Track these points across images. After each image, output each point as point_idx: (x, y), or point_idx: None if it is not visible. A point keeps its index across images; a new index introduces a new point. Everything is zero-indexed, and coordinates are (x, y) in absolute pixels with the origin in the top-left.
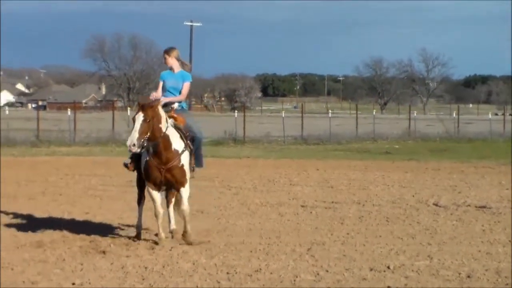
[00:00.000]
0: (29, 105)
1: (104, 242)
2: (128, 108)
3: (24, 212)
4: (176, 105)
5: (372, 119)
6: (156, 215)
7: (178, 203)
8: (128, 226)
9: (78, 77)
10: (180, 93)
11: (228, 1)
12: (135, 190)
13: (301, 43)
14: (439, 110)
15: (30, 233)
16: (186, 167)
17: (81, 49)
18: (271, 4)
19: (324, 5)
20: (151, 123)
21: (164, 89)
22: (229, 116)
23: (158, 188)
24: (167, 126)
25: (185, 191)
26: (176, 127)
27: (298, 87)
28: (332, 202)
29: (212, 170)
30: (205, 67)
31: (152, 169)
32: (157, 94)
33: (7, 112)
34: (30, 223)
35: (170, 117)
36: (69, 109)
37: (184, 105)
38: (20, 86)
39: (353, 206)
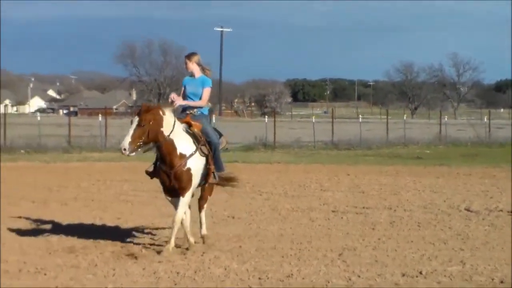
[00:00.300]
0: (60, 111)
1: (136, 247)
2: None
3: (56, 217)
4: (195, 110)
5: (403, 124)
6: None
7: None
8: (161, 230)
9: (109, 83)
10: (200, 98)
11: (259, 7)
12: None
13: (332, 48)
14: (470, 115)
15: (62, 239)
16: (194, 172)
17: (111, 55)
18: (303, 9)
19: (355, 11)
20: (147, 127)
21: (184, 95)
22: (259, 121)
23: (170, 194)
24: (171, 130)
25: (184, 197)
26: (189, 132)
27: (328, 92)
28: (363, 207)
29: (243, 175)
30: (235, 72)
31: (161, 174)
32: (178, 97)
33: (38, 118)
34: (62, 229)
35: (184, 122)
36: (100, 115)
37: (205, 110)
38: (51, 92)
39: (384, 211)
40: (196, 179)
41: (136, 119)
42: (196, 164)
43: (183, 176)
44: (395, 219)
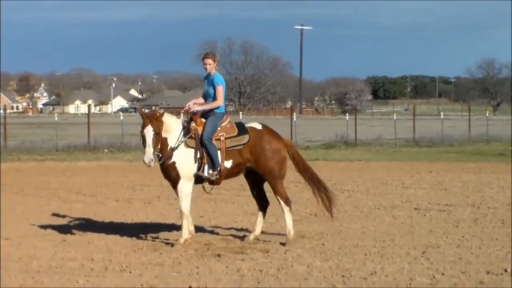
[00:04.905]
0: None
1: (219, 245)
2: (240, 113)
3: (140, 216)
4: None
5: (485, 120)
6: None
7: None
8: (242, 229)
9: (190, 81)
10: (213, 97)
11: (339, 5)
12: (247, 194)
13: (413, 46)
14: None
15: (146, 237)
16: (179, 165)
17: (193, 54)
18: (384, 8)
19: (436, 9)
20: (161, 135)
21: (204, 95)
22: (340, 119)
23: (172, 184)
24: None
25: (179, 190)
26: (185, 126)
27: (409, 89)
28: (446, 204)
29: (325, 173)
30: (316, 70)
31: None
32: (196, 101)
33: (121, 117)
34: (146, 227)
35: (192, 119)
36: (181, 114)
37: (221, 109)
38: (133, 92)
39: (467, 208)
40: (185, 172)
41: (150, 128)
42: (180, 157)
43: (170, 169)
44: (478, 217)
